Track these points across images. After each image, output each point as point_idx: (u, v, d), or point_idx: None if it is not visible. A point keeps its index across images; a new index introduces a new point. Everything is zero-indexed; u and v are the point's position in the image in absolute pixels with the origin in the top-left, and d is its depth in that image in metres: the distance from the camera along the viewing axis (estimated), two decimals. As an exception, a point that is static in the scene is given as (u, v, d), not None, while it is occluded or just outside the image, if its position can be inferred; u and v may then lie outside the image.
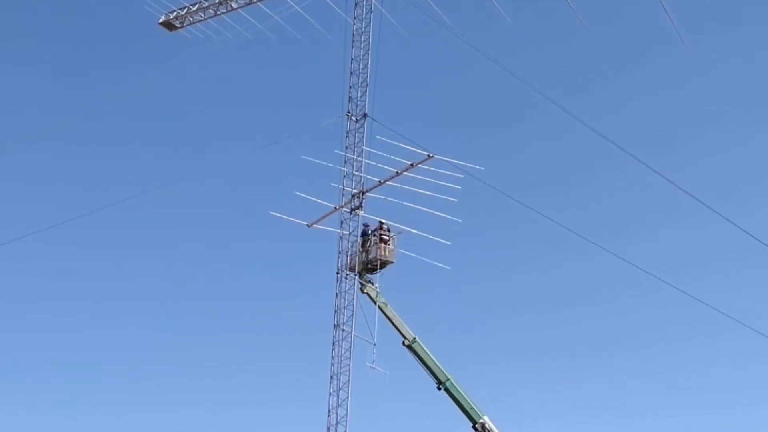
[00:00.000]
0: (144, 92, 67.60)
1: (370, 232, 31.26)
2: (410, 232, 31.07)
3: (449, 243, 30.51)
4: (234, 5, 34.82)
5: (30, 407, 58.66)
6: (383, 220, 31.07)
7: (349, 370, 31.05)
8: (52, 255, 66.15)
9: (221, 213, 71.98)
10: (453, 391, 28.68)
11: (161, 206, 69.55)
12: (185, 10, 35.44)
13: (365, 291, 30.38)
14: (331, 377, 31.09)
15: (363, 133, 32.89)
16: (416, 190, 30.76)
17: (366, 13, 33.79)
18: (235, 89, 75.03)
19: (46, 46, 78.29)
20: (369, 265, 30.77)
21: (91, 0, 77.05)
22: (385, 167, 31.73)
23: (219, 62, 69.02)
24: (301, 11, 34.07)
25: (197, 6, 35.34)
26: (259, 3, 34.50)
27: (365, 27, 33.73)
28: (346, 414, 30.86)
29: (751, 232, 30.85)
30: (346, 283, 31.68)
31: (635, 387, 59.89)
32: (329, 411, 30.91)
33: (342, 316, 31.45)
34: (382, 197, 31.90)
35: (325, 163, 32.65)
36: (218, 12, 35.12)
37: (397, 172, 31.50)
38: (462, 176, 30.48)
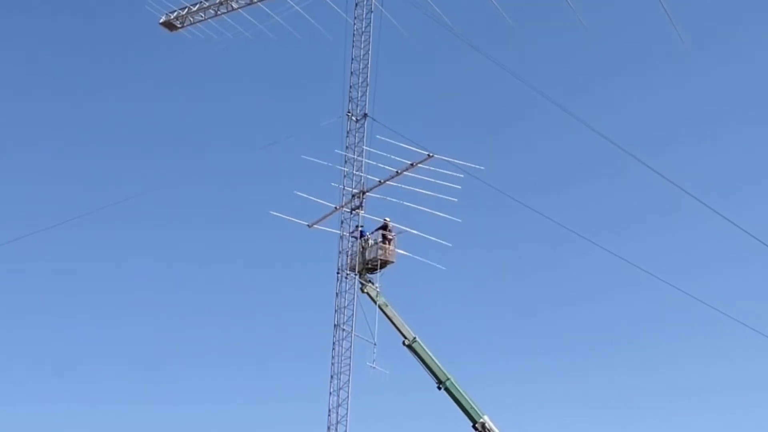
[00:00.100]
0: (144, 92, 67.49)
1: (370, 231, 31.25)
2: (410, 232, 31.11)
3: (449, 244, 30.54)
4: (234, 5, 34.88)
5: (30, 407, 58.78)
6: (388, 219, 31.10)
7: (350, 369, 31.11)
8: (52, 255, 66.21)
9: (221, 213, 72.06)
10: (453, 391, 28.69)
11: (161, 206, 69.60)
12: (186, 10, 35.51)
13: (365, 291, 30.34)
14: (332, 377, 31.15)
15: (363, 132, 32.96)
16: (416, 189, 30.78)
17: (366, 13, 33.87)
18: (235, 89, 75.10)
19: (47, 47, 78.40)
20: (369, 265, 30.73)
21: (91, 0, 77.17)
22: (386, 167, 31.77)
23: (219, 62, 68.87)
24: (302, 11, 34.17)
25: (198, 6, 35.40)
26: (259, 3, 34.57)
27: (365, 27, 33.80)
28: (347, 413, 30.92)
29: (752, 232, 30.93)
30: (346, 282, 31.74)
31: (635, 387, 59.93)
32: (329, 410, 30.97)
33: (342, 315, 31.51)
34: (382, 197, 31.97)
35: (325, 162, 32.72)
36: (219, 12, 35.19)
37: (397, 172, 31.51)
38: (462, 176, 30.52)
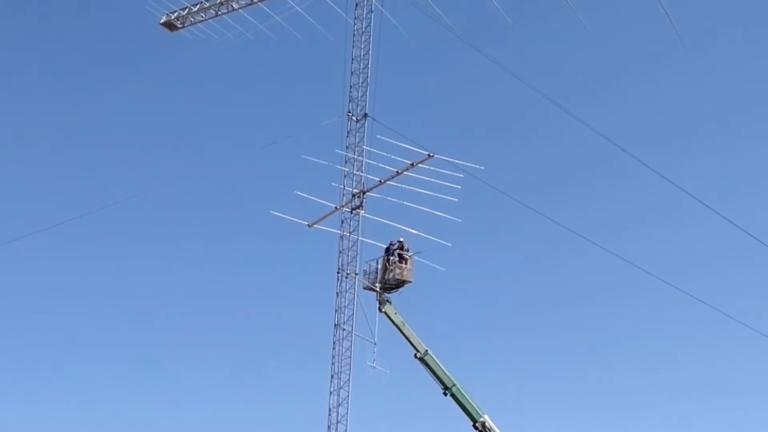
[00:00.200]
0: (145, 92, 67.75)
1: (391, 250, 30.58)
2: (410, 232, 31.13)
3: (450, 244, 30.55)
4: (235, 5, 34.95)
5: (30, 406, 58.79)
6: (401, 239, 30.48)
7: (350, 369, 31.26)
8: (52, 255, 66.30)
9: (222, 213, 72.12)
10: (459, 396, 28.67)
11: (161, 206, 69.62)
12: (186, 10, 35.59)
13: (383, 310, 29.77)
14: (332, 376, 31.29)
15: (363, 132, 33.07)
16: (416, 189, 30.78)
17: (366, 14, 33.96)
18: (235, 89, 75.18)
19: (47, 47, 78.45)
20: (387, 284, 30.13)
21: (93, 0, 77.25)
22: (386, 167, 31.77)
23: (220, 62, 69.01)
24: (302, 12, 34.24)
25: (198, 6, 35.47)
26: (259, 3, 34.63)
27: (366, 27, 33.89)
28: (347, 413, 31.05)
29: (752, 233, 30.98)
30: (346, 282, 31.84)
31: (635, 387, 59.94)
32: (330, 410, 31.09)
33: (342, 315, 31.64)
34: (383, 197, 32.00)
35: (325, 162, 32.77)
36: (219, 12, 35.26)
37: (397, 172, 31.52)
38: (462, 176, 30.49)
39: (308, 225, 32.24)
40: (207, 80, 72.87)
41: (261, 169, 69.93)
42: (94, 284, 68.00)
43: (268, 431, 57.65)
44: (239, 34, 35.56)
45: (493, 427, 28.27)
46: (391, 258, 30.19)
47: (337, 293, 31.88)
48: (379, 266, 30.30)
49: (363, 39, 33.75)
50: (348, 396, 31.12)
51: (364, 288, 30.51)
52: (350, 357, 31.26)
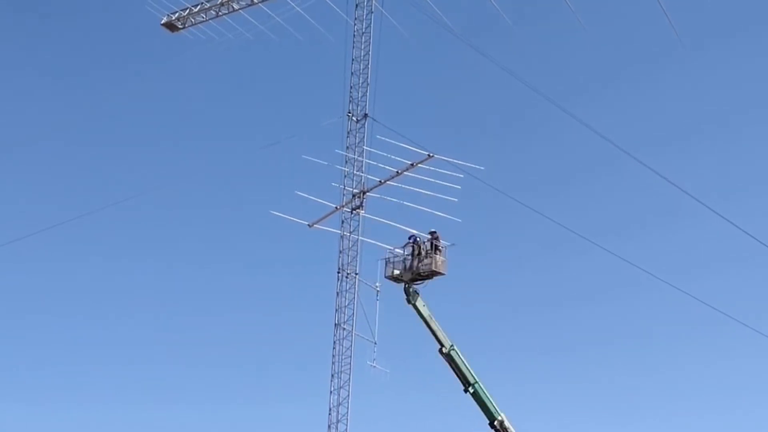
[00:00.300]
0: (146, 93, 67.75)
1: (421, 240, 29.36)
2: (410, 232, 31.16)
3: (450, 244, 30.59)
4: (235, 6, 35.03)
5: (30, 406, 58.88)
6: (434, 230, 29.40)
7: (350, 368, 31.39)
8: (52, 255, 66.44)
9: (223, 213, 72.29)
10: (480, 393, 28.26)
11: (162, 206, 69.72)
12: (187, 11, 35.69)
13: (413, 302, 28.52)
14: (332, 375, 31.42)
15: (364, 133, 33.18)
16: (416, 189, 30.84)
17: (366, 14, 34.06)
18: (236, 89, 75.34)
19: (48, 47, 78.66)
20: (419, 275, 28.90)
21: (93, 1, 77.35)
22: (386, 167, 31.81)
23: (220, 63, 69.19)
24: (302, 12, 34.32)
25: (199, 7, 35.56)
26: (260, 4, 34.72)
27: (366, 28, 34.00)
28: (347, 412, 31.19)
29: (751, 233, 31.06)
30: (346, 282, 31.95)
31: (635, 387, 60.02)
32: (330, 409, 31.22)
33: (343, 315, 31.77)
34: (383, 197, 32.07)
35: (325, 162, 32.85)
36: (220, 13, 35.36)
37: (397, 172, 31.57)
38: (462, 176, 30.52)
39: (308, 225, 32.30)
40: (208, 81, 73.12)
41: (261, 169, 70.20)
42: (94, 284, 68.24)
43: (269, 430, 57.87)
44: (240, 34, 35.71)
45: (510, 427, 28.11)
46: (423, 247, 28.99)
47: (338, 293, 32.04)
48: (408, 254, 28.89)
49: (363, 39, 33.87)
50: (348, 395, 31.26)
51: (388, 277, 29.16)
52: (350, 356, 31.41)
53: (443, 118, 71.27)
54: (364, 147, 32.76)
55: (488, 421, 28.15)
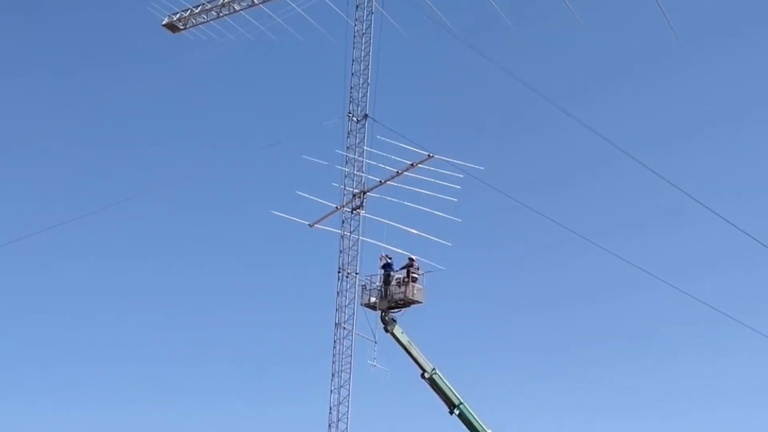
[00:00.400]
0: (147, 93, 67.90)
1: (395, 268, 29.32)
2: (410, 232, 31.30)
3: (449, 244, 30.70)
4: (236, 7, 35.17)
5: (30, 406, 58.99)
6: (413, 257, 29.33)
7: (350, 367, 31.48)
8: (52, 255, 66.62)
9: (224, 212, 72.48)
10: (466, 414, 28.22)
11: (164, 206, 69.84)
12: (188, 12, 35.85)
13: (390, 331, 28.38)
14: (333, 375, 31.52)
15: (364, 133, 33.27)
16: (416, 189, 30.97)
17: (367, 15, 34.15)
18: (237, 90, 75.53)
19: (48, 47, 78.79)
20: (393, 304, 28.83)
21: (94, 1, 77.51)
22: (386, 167, 31.95)
23: (221, 63, 69.29)
24: (303, 13, 34.44)
25: (200, 8, 35.71)
26: (261, 5, 34.85)
27: (366, 28, 34.09)
28: (347, 411, 31.29)
29: (750, 233, 31.18)
30: (347, 281, 32.06)
31: (635, 387, 60.17)
32: (330, 408, 31.32)
33: (343, 314, 31.86)
34: (383, 197, 32.20)
35: (326, 163, 32.97)
36: (221, 14, 35.50)
37: (397, 172, 31.69)
38: (462, 176, 30.67)
39: (309, 225, 32.43)
40: (208, 81, 73.31)
41: (262, 170, 70.45)
42: (94, 284, 68.42)
43: (270, 429, 58.02)
44: (240, 35, 35.84)
45: None
46: (398, 276, 28.90)
47: (338, 292, 32.13)
48: (386, 283, 28.76)
49: (363, 40, 33.98)
50: (348, 394, 31.37)
51: (363, 305, 29.14)
52: (351, 355, 31.49)
53: (443, 119, 71.51)
54: (365, 147, 32.90)
55: None
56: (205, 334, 65.17)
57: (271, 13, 34.96)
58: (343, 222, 32.63)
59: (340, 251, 32.46)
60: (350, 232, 32.42)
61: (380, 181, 32.33)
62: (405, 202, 31.29)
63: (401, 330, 28.55)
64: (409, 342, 28.53)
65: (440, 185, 30.58)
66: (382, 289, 28.94)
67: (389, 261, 29.50)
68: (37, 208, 68.70)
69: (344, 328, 31.65)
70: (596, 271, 65.58)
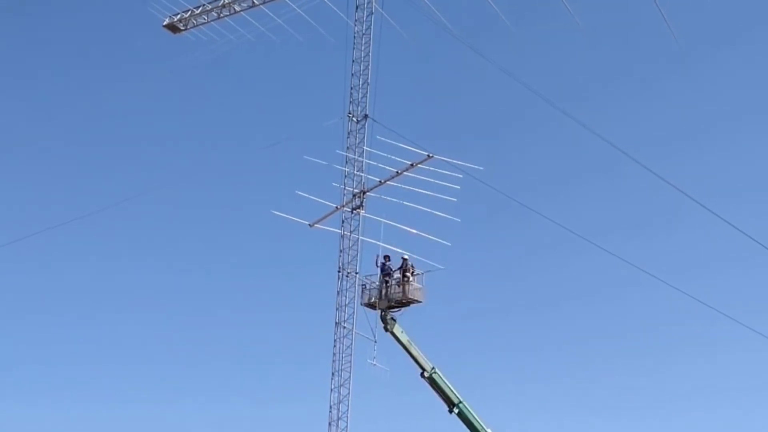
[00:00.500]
0: (148, 94, 68.12)
1: (393, 268, 29.32)
2: (410, 231, 31.43)
3: (449, 244, 30.82)
4: (236, 8, 35.29)
5: (30, 406, 59.08)
6: (406, 256, 29.32)
7: (351, 366, 31.65)
8: (53, 256, 66.76)
9: (225, 212, 72.61)
10: (465, 413, 28.30)
11: (164, 206, 70.06)
12: (189, 12, 35.96)
13: (390, 330, 28.33)
14: (333, 374, 31.70)
15: (364, 133, 33.44)
16: (416, 189, 31.09)
17: (367, 16, 34.31)
18: (237, 90, 75.69)
19: (49, 48, 78.92)
20: (393, 303, 28.77)
21: (95, 2, 77.67)
22: (386, 167, 32.05)
23: (222, 64, 69.52)
24: (303, 14, 34.56)
25: (201, 9, 35.82)
26: (261, 6, 34.96)
27: (366, 29, 34.24)
28: (348, 410, 31.44)
29: (750, 234, 31.27)
30: (347, 281, 32.23)
31: (635, 387, 60.29)
32: (331, 407, 31.48)
33: (343, 313, 32.04)
34: (383, 197, 32.34)
35: (326, 163, 33.11)
36: (221, 15, 35.62)
37: (397, 172, 31.80)
38: (461, 176, 30.77)
39: (309, 224, 32.55)
40: (209, 81, 73.54)
41: (263, 170, 70.59)
42: (94, 284, 68.51)
43: (270, 428, 58.12)
44: (241, 36, 35.96)
45: None
46: (395, 276, 28.96)
47: (338, 292, 32.32)
48: (385, 285, 28.77)
49: (363, 41, 34.12)
50: (349, 393, 31.55)
51: (363, 304, 29.13)
52: (351, 354, 31.69)
53: (443, 119, 71.68)
54: (365, 147, 33.05)
55: None
56: (205, 334, 65.38)
57: (271, 14, 35.14)
58: (343, 222, 32.84)
59: (340, 251, 32.65)
60: (350, 232, 32.58)
61: (380, 181, 32.45)
62: (405, 202, 31.44)
63: (401, 329, 28.57)
64: (408, 341, 28.58)
65: (440, 185, 30.71)
66: (382, 289, 28.95)
67: (386, 261, 29.51)
68: (37, 208, 68.95)
69: (344, 327, 31.82)
70: (596, 271, 65.79)
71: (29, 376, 61.77)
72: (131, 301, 67.19)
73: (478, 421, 28.47)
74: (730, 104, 72.61)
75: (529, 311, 66.80)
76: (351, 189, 32.78)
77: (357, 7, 34.45)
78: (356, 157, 33.00)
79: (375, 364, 30.13)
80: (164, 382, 63.32)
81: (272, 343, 63.70)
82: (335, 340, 31.87)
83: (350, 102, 33.85)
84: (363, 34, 34.17)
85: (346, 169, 32.93)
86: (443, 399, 28.65)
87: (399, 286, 28.92)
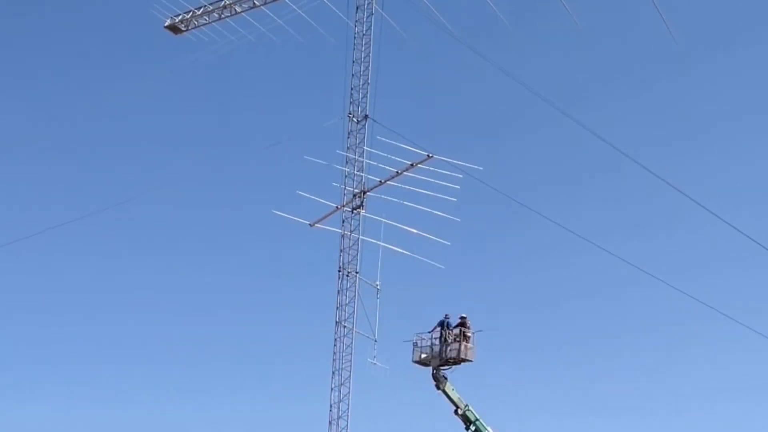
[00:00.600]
0: (149, 94, 68.18)
1: (450, 325, 29.27)
2: (410, 231, 31.60)
3: (449, 243, 31.02)
4: (238, 9, 35.42)
5: (30, 406, 59.13)
6: (465, 315, 29.41)
7: (351, 365, 31.76)
8: (53, 256, 66.84)
9: (226, 212, 72.68)
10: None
11: (165, 205, 70.00)
12: (190, 13, 36.07)
13: (442, 388, 28.53)
14: (333, 373, 31.80)
15: (364, 133, 33.57)
16: (416, 189, 31.28)
17: (367, 17, 34.41)
18: (238, 91, 75.70)
19: (50, 48, 78.97)
20: (446, 361, 28.88)
21: (97, 3, 77.82)
22: (386, 167, 32.29)
23: (223, 64, 69.57)
24: (304, 15, 34.67)
25: (202, 10, 35.94)
26: (262, 7, 35.08)
27: (366, 30, 34.36)
28: (348, 408, 31.56)
29: (749, 234, 31.35)
30: (347, 280, 32.37)
31: (635, 386, 60.35)
32: (331, 405, 31.58)
33: (343, 312, 32.16)
34: (383, 197, 32.51)
35: (326, 163, 33.31)
36: (222, 16, 35.74)
37: (397, 172, 32.02)
38: (461, 176, 30.97)
39: (310, 224, 32.77)
40: (210, 82, 73.62)
41: (264, 170, 70.51)
42: (94, 284, 68.55)
43: (271, 427, 58.25)
44: (242, 36, 36.05)
45: None
46: (452, 333, 28.86)
47: (338, 291, 32.43)
48: (437, 341, 28.83)
49: (363, 42, 34.25)
50: (349, 392, 31.66)
51: (415, 361, 29.03)
52: (351, 354, 31.79)
53: (442, 119, 71.70)
54: (365, 147, 33.20)
55: None
56: (205, 334, 65.36)
57: (272, 15, 35.24)
58: (343, 221, 32.99)
59: (341, 250, 32.80)
60: (350, 232, 32.73)
61: (380, 181, 32.65)
62: (405, 202, 31.67)
63: (452, 387, 28.65)
64: (459, 398, 28.64)
65: (439, 185, 30.92)
66: (435, 347, 28.90)
67: (446, 318, 29.39)
68: (37, 208, 68.99)
69: (345, 327, 31.95)
70: (596, 271, 65.78)
71: (29, 376, 61.93)
72: (131, 301, 67.28)
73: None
74: (730, 104, 72.73)
75: (529, 311, 66.91)
76: (351, 189, 32.96)
77: (357, 8, 34.61)
78: (356, 157, 33.16)
79: (375, 363, 30.41)
80: (164, 382, 63.48)
81: (273, 343, 63.85)
82: (335, 339, 32.02)
83: (350, 102, 33.99)
84: (363, 35, 34.32)
85: (347, 169, 33.09)
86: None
87: (452, 344, 28.86)
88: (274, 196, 66.62)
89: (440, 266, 30.78)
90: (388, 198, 32.30)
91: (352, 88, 34.08)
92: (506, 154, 73.92)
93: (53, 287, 67.84)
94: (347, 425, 31.49)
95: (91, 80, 74.91)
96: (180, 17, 36.22)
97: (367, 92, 34.02)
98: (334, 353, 31.91)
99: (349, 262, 32.67)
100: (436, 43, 59.43)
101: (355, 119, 33.77)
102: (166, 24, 36.49)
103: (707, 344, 62.26)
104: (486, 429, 28.54)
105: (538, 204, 54.22)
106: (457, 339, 28.79)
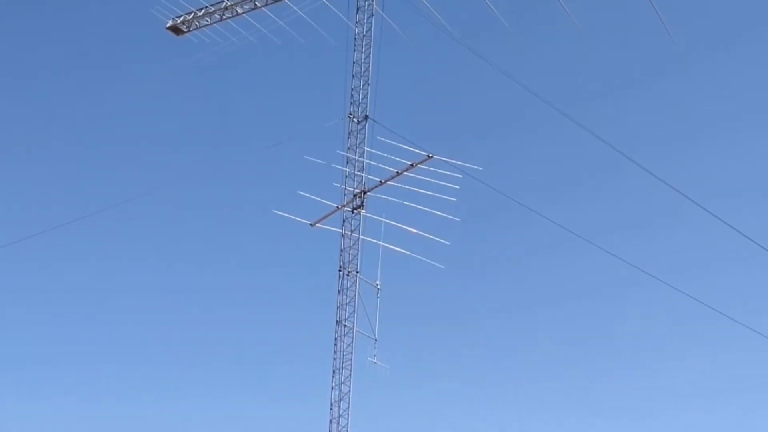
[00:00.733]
0: (150, 94, 68.33)
1: None
2: (410, 231, 31.76)
3: (448, 243, 31.18)
4: (239, 10, 35.58)
5: (30, 406, 59.17)
6: None
7: (351, 364, 31.88)
8: (53, 256, 66.88)
9: (226, 212, 72.75)
10: None
11: (166, 205, 70.06)
12: (192, 15, 36.23)
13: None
14: (334, 372, 31.89)
15: (364, 134, 33.71)
16: (416, 189, 31.44)
17: (367, 18, 34.57)
18: (239, 91, 75.75)
19: (50, 48, 79.01)
20: None
21: (98, 3, 77.95)
22: (386, 167, 32.41)
23: (224, 65, 69.75)
24: (305, 16, 34.83)
25: (204, 11, 36.11)
26: (263, 8, 35.25)
27: (367, 31, 34.51)
28: (348, 407, 31.67)
29: (749, 235, 31.50)
30: (347, 280, 32.53)
31: (635, 387, 60.42)
32: (331, 405, 31.68)
33: (344, 312, 32.29)
34: (383, 197, 32.68)
35: (327, 163, 33.45)
36: (224, 17, 35.90)
37: (397, 172, 32.16)
38: (461, 176, 31.12)
39: (310, 224, 32.92)
40: (211, 83, 73.65)
41: (264, 170, 70.56)
42: (94, 285, 68.50)
43: (271, 426, 58.34)
44: (243, 38, 36.16)
45: None
46: None
47: (339, 290, 32.55)
48: None
49: (364, 43, 34.40)
50: (349, 391, 31.75)
51: None
52: (351, 353, 31.89)
53: (442, 120, 71.72)
54: (365, 148, 33.34)
55: None
56: (205, 333, 65.30)
57: (273, 16, 35.38)
58: (343, 221, 33.13)
59: (341, 250, 32.93)
60: (351, 231, 32.88)
61: (380, 181, 32.78)
62: (405, 202, 31.80)
63: None
64: None
65: (439, 185, 31.06)
66: None
67: None
68: (38, 208, 69.01)
69: (345, 326, 32.10)
70: (596, 271, 65.78)
71: (29, 375, 61.92)
72: (131, 301, 67.19)
73: None
74: (730, 104, 72.70)
75: (529, 311, 66.97)
76: (352, 189, 33.11)
77: (358, 9, 34.78)
78: (357, 157, 33.31)
79: (375, 362, 30.57)
80: (164, 382, 63.39)
81: (273, 342, 63.88)
82: (336, 339, 32.14)
83: (351, 103, 34.13)
84: (363, 36, 34.48)
85: (347, 170, 33.24)
86: None
87: None
88: (274, 196, 66.79)
89: (440, 266, 30.95)
90: (388, 198, 32.48)
91: (352, 89, 34.24)
92: (506, 154, 74.05)
93: (53, 287, 67.85)
94: (348, 424, 31.63)
95: (92, 80, 75.09)
96: (182, 18, 36.38)
97: (367, 93, 34.19)
98: (335, 352, 32.05)
99: (349, 261, 32.84)
100: (435, 44, 59.53)
101: (355, 120, 33.93)
102: (168, 25, 36.63)
103: (707, 344, 62.41)
104: None
105: (538, 204, 54.28)
106: None
